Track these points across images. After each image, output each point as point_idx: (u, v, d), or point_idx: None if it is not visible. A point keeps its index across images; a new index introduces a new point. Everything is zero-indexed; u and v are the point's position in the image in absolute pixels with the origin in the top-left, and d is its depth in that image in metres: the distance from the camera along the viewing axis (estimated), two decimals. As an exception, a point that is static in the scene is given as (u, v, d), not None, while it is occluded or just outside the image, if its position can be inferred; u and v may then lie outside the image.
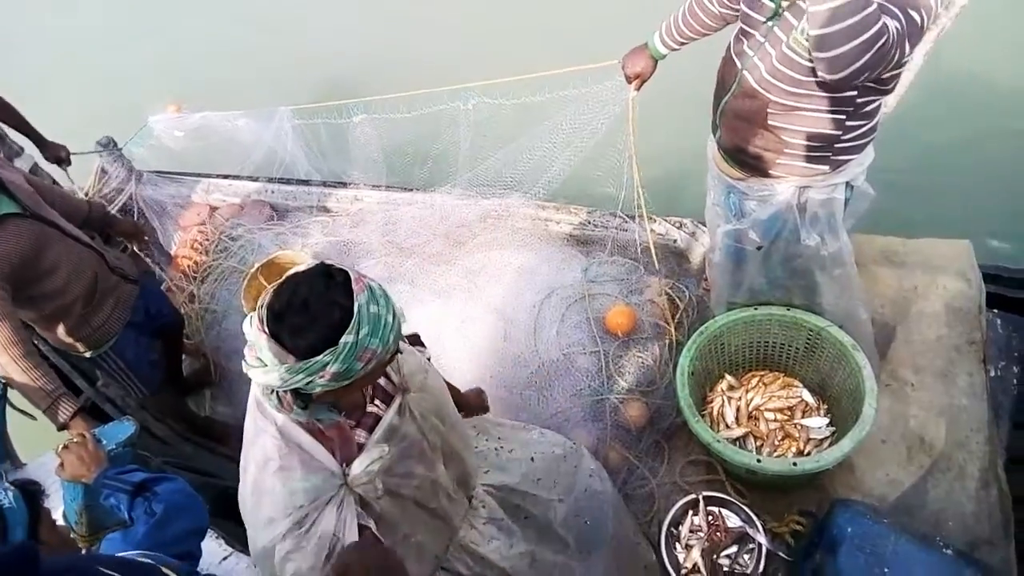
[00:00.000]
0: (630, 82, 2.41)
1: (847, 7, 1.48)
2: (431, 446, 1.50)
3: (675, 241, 3.08)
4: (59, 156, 3.22)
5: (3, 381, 2.30)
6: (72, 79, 5.54)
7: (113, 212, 3.30)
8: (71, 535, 1.72)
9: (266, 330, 1.12)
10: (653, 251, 2.90)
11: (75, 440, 1.82)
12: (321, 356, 1.09)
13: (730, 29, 2.09)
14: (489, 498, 1.74)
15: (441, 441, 1.54)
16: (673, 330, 2.73)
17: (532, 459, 1.84)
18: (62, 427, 2.16)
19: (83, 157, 3.41)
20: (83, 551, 1.75)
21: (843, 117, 1.87)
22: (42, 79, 5.62)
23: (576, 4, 5.23)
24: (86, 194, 3.46)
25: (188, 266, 3.41)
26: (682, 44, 2.27)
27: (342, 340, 1.09)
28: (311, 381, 1.11)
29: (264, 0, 6.17)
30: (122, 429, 2.18)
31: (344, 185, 3.57)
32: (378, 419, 1.38)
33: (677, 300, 2.83)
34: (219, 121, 3.57)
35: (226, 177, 3.72)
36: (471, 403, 1.95)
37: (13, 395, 2.26)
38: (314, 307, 1.11)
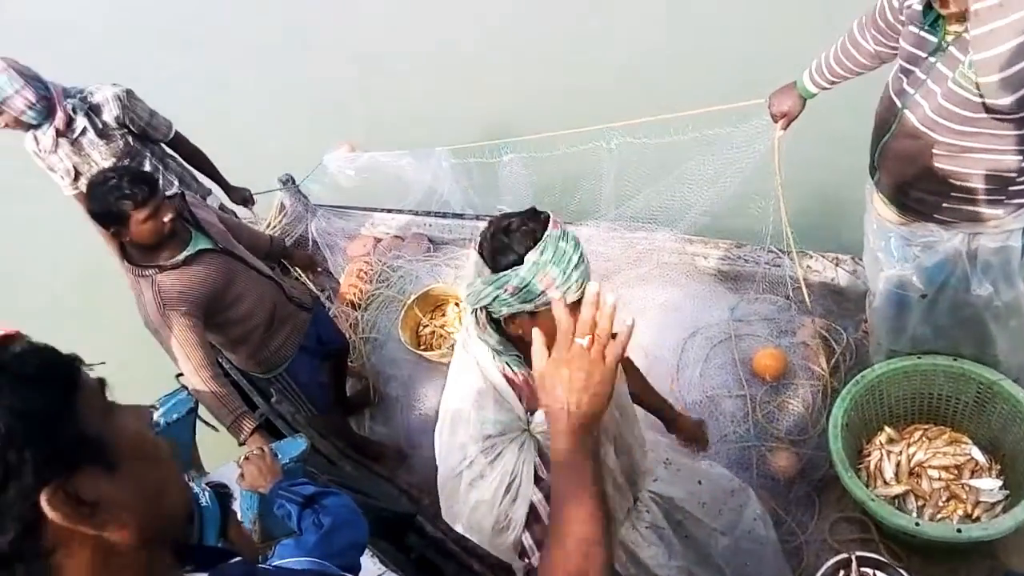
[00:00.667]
0: (776, 121, 2.36)
1: (1012, 26, 1.39)
2: (604, 429, 1.58)
3: (832, 279, 2.93)
4: (244, 198, 3.55)
5: (194, 398, 2.62)
6: (256, 121, 6.15)
7: (290, 245, 3.64)
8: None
9: (476, 248, 1.34)
10: (805, 289, 2.79)
11: (255, 453, 2.03)
12: (508, 271, 1.27)
13: (887, 67, 2.00)
14: (654, 505, 1.78)
15: (616, 431, 1.64)
16: (828, 376, 2.60)
17: (699, 482, 1.87)
18: (242, 442, 2.42)
19: (264, 186, 3.78)
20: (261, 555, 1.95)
21: (1019, 157, 1.73)
22: (233, 121, 6.31)
23: (719, 44, 5.11)
24: (268, 225, 3.86)
25: (354, 295, 3.69)
26: (833, 83, 2.19)
27: (526, 257, 1.25)
28: (498, 295, 1.29)
29: (423, 49, 6.56)
30: (295, 446, 2.41)
31: (496, 219, 3.72)
32: None
33: (833, 343, 2.69)
34: (385, 160, 3.86)
35: (389, 211, 3.99)
36: (690, 430, 2.05)
37: (201, 411, 2.59)
38: (514, 233, 1.29)
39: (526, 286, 1.26)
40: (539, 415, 1.41)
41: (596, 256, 3.32)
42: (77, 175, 3.09)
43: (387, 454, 3.24)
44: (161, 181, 3.28)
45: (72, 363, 0.78)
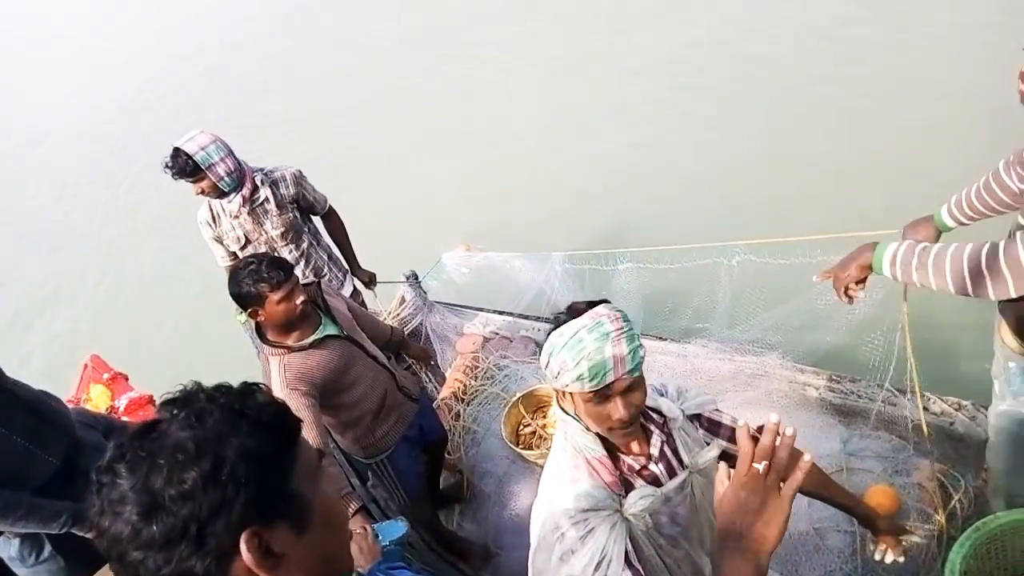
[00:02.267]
0: None
1: None
2: (698, 535, 1.60)
3: (951, 423, 2.78)
4: (367, 280, 3.83)
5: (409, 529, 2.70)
6: (384, 217, 6.60)
7: (407, 336, 3.82)
8: None
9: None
10: (927, 430, 2.65)
11: (357, 532, 2.09)
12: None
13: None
14: None
15: (704, 540, 1.63)
16: (944, 520, 2.43)
17: None
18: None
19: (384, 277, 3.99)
20: None
21: None
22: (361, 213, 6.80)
23: (853, 173, 5.14)
24: (388, 315, 4.08)
25: (458, 388, 3.80)
26: (972, 219, 2.17)
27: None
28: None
29: (541, 153, 6.94)
30: (396, 528, 2.44)
31: (602, 329, 3.77)
32: (656, 479, 1.52)
33: (951, 489, 2.53)
34: (499, 261, 4.06)
35: (501, 313, 4.14)
36: (887, 523, 1.95)
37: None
38: (560, 315, 1.43)
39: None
40: (632, 496, 1.45)
41: (704, 376, 3.31)
42: (246, 243, 3.42)
43: (473, 552, 3.23)
44: (313, 256, 3.60)
45: (298, 422, 0.88)
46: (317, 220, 3.71)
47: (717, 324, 3.35)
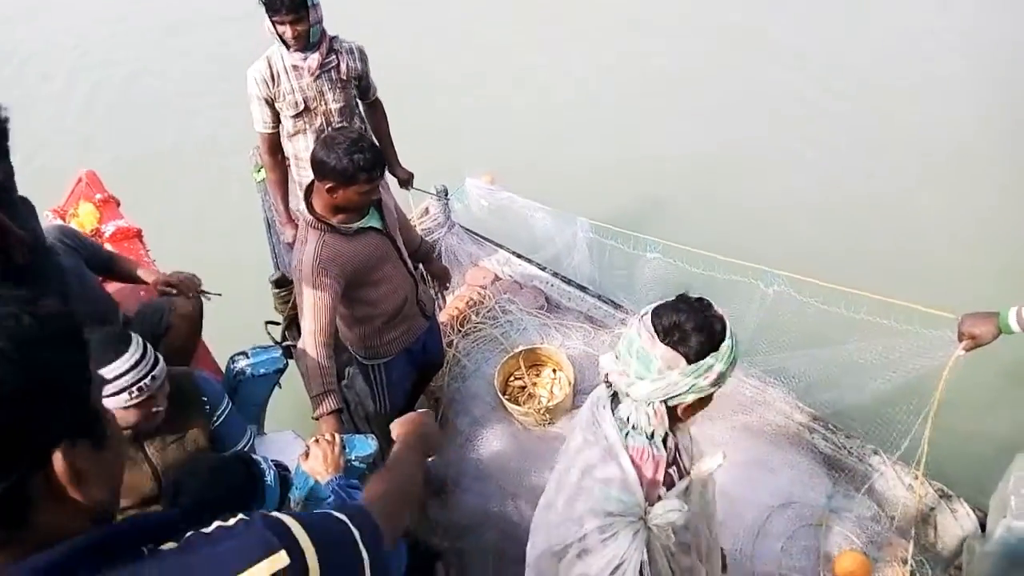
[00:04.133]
0: (961, 340, 2.29)
1: None
2: (695, 547, 1.61)
3: (932, 510, 2.80)
4: (406, 179, 3.69)
5: (286, 360, 2.64)
6: (415, 128, 6.33)
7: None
8: None
9: (661, 339, 1.35)
10: (916, 514, 2.67)
11: (326, 438, 2.00)
12: (708, 358, 1.33)
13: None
14: None
15: (706, 546, 1.64)
16: (907, 609, 2.47)
17: None
18: (317, 416, 2.39)
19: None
20: None
21: None
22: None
23: (926, 245, 5.07)
24: (411, 221, 3.94)
25: (458, 316, 3.71)
26: None
27: (724, 344, 1.35)
28: (695, 384, 1.35)
29: (592, 113, 6.72)
30: (365, 445, 2.37)
31: (617, 306, 3.71)
32: (672, 482, 1.51)
33: (918, 576, 2.56)
34: (522, 205, 3.92)
35: (520, 256, 4.03)
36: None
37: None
38: (699, 321, 1.35)
39: (725, 372, 1.36)
40: (659, 507, 1.42)
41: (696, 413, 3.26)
42: (303, 111, 3.23)
43: (429, 480, 3.20)
44: None
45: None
46: None
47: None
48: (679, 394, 1.37)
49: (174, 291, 2.68)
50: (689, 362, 1.34)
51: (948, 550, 2.67)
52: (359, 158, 2.22)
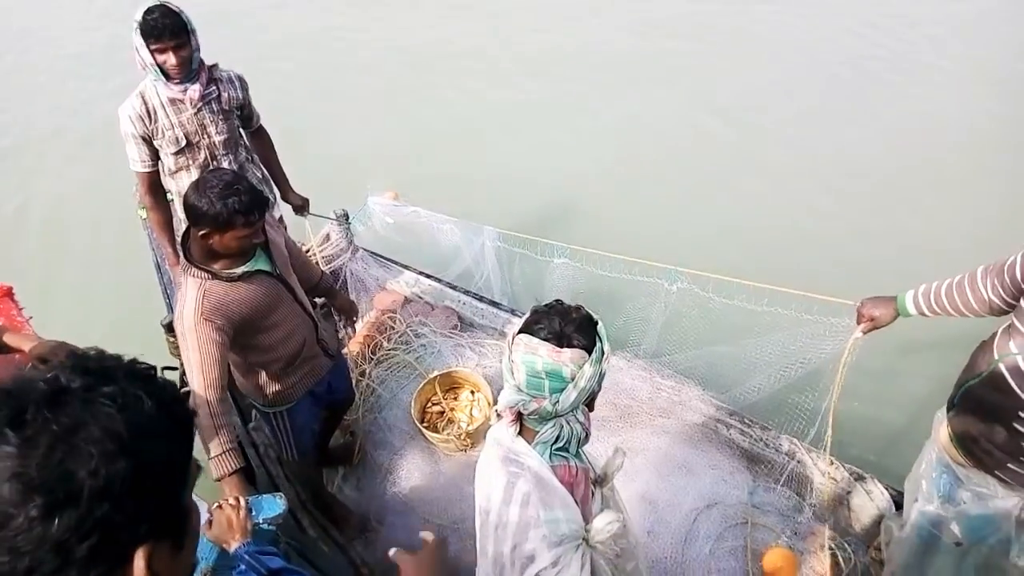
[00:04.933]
0: (859, 322, 2.34)
1: None
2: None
3: (848, 493, 2.87)
4: (300, 206, 3.51)
5: (288, 506, 2.40)
6: (312, 149, 6.17)
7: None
8: None
9: (560, 346, 1.37)
10: (826, 498, 2.72)
11: (229, 503, 1.87)
12: (600, 344, 1.40)
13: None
14: None
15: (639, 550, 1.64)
16: (832, 592, 2.50)
17: None
18: (218, 479, 2.20)
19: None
20: None
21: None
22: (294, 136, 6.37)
23: (830, 233, 5.19)
24: (309, 251, 3.78)
25: (368, 345, 3.59)
26: (935, 314, 2.18)
27: (599, 324, 1.43)
28: (601, 370, 1.40)
29: (494, 122, 6.69)
30: (273, 506, 2.22)
31: (530, 319, 3.66)
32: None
33: (841, 561, 2.60)
34: (428, 218, 3.82)
35: (428, 276, 3.94)
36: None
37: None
38: (570, 317, 1.40)
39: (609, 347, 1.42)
40: (598, 522, 1.40)
41: (621, 391, 3.26)
42: (185, 146, 3.04)
43: (351, 520, 3.07)
44: (249, 171, 3.26)
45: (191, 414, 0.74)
46: None
47: (647, 342, 3.30)
48: (593, 386, 1.41)
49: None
50: (589, 353, 1.37)
51: (866, 530, 2.74)
52: (233, 202, 2.08)
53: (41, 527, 0.56)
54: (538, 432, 1.44)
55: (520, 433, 1.47)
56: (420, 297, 3.89)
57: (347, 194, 4.07)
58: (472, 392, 3.31)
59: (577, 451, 1.48)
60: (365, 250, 4.01)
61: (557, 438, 1.42)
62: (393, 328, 3.68)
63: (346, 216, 3.84)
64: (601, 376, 1.42)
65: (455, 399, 3.31)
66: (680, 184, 5.78)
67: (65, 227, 5.70)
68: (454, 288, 3.86)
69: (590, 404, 1.47)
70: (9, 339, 2.43)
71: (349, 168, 5.70)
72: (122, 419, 0.61)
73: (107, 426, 0.60)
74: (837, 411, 2.51)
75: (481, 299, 3.80)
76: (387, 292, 3.92)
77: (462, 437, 3.03)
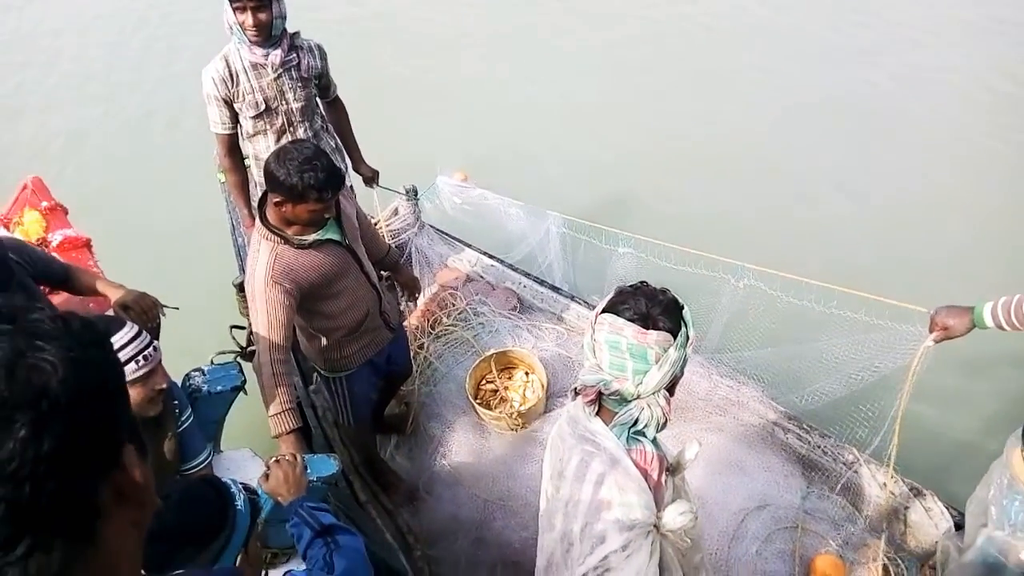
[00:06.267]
0: (932, 330, 2.25)
1: None
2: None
3: (906, 508, 2.77)
4: (370, 176, 3.57)
5: (243, 377, 2.54)
6: (385, 124, 6.24)
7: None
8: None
9: (646, 327, 1.37)
10: (882, 511, 2.64)
11: (287, 459, 1.94)
12: (685, 328, 1.40)
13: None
14: None
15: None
16: (882, 608, 2.43)
17: None
18: (276, 436, 2.30)
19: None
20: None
21: None
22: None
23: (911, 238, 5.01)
24: (376, 224, 3.85)
25: (429, 319, 3.64)
26: (1016, 330, 2.08)
27: (684, 308, 1.43)
28: (686, 355, 1.41)
29: (567, 107, 6.64)
30: (327, 466, 2.31)
31: (591, 307, 3.65)
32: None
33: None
34: (495, 202, 3.85)
35: (492, 256, 3.96)
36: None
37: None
38: (656, 299, 1.40)
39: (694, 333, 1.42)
40: (670, 512, 1.36)
41: (679, 387, 3.21)
42: (264, 111, 3.12)
43: (400, 488, 3.14)
44: (323, 140, 3.33)
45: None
46: None
47: (708, 338, 3.24)
48: (676, 371, 1.40)
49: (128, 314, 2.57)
50: (674, 336, 1.37)
51: (922, 548, 2.65)
52: (310, 176, 2.13)
53: (33, 448, 0.55)
54: (617, 413, 1.42)
55: (598, 413, 1.46)
56: (482, 276, 3.92)
57: (417, 169, 4.13)
58: (526, 373, 3.32)
59: (654, 436, 1.45)
60: (431, 227, 4.07)
61: (636, 421, 1.40)
62: (453, 305, 3.72)
63: (415, 191, 3.90)
64: (684, 361, 1.41)
65: (509, 379, 3.33)
66: (750, 179, 5.65)
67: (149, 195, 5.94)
68: (515, 270, 3.88)
69: (671, 389, 1.44)
70: (101, 286, 2.59)
71: (421, 144, 5.75)
72: (67, 335, 0.62)
73: (57, 342, 0.60)
74: (904, 424, 2.42)
75: (542, 283, 3.81)
76: (449, 269, 3.96)
77: (514, 416, 3.05)
